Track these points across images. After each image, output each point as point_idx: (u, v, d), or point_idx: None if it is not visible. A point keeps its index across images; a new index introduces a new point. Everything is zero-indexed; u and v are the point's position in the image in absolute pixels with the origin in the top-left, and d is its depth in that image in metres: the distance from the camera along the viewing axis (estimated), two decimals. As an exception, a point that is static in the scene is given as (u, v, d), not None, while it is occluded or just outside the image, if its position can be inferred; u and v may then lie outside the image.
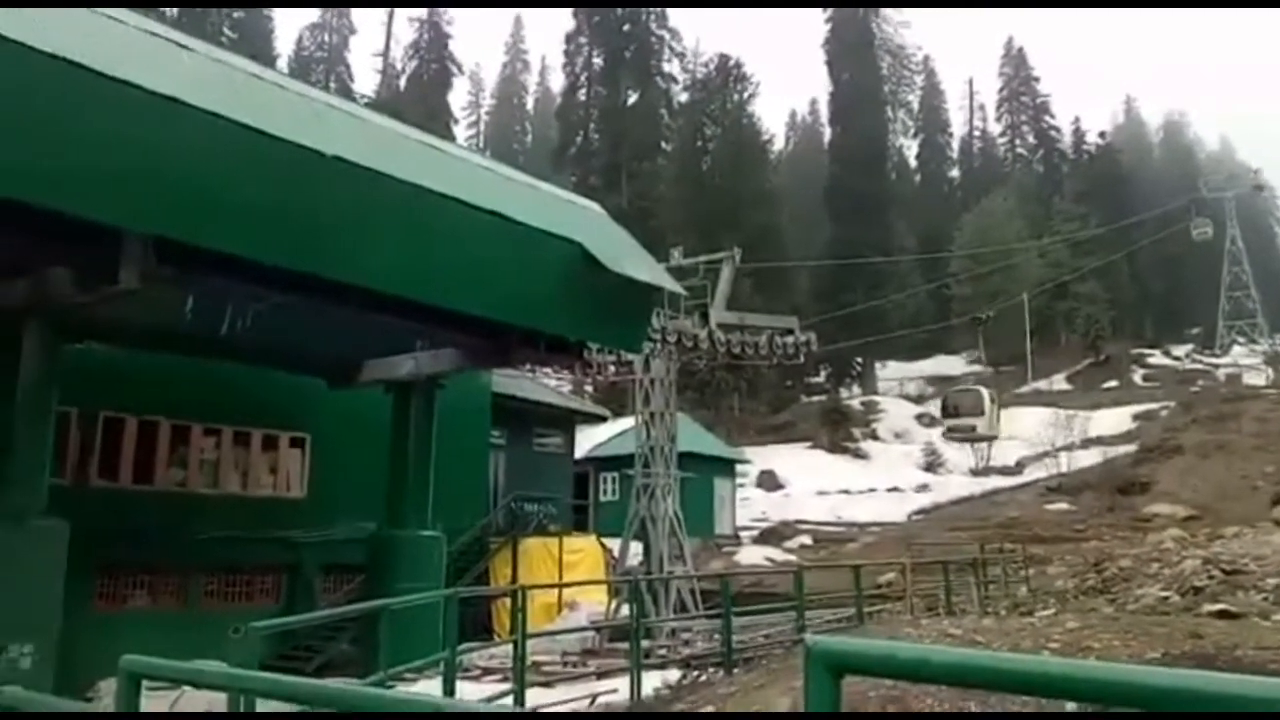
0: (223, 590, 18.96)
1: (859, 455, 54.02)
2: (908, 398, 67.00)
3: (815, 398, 66.05)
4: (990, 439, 37.00)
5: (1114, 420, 53.56)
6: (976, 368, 73.58)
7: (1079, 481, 42.60)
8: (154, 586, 17.98)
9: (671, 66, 74.50)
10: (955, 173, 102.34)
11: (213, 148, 10.39)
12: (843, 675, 1.73)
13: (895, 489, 46.47)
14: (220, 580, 18.93)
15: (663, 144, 71.68)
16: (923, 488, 47.08)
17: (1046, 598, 18.08)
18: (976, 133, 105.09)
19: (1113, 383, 64.73)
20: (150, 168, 10.03)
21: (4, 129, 9.05)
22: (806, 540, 37.88)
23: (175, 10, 64.36)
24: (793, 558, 33.40)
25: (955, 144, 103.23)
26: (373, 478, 17.83)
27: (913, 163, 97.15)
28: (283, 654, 16.27)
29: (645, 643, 13.59)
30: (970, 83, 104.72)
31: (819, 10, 79.28)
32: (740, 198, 62.92)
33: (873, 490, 45.96)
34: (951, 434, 34.54)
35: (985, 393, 31.01)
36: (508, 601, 21.37)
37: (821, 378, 68.81)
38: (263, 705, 5.32)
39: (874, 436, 58.14)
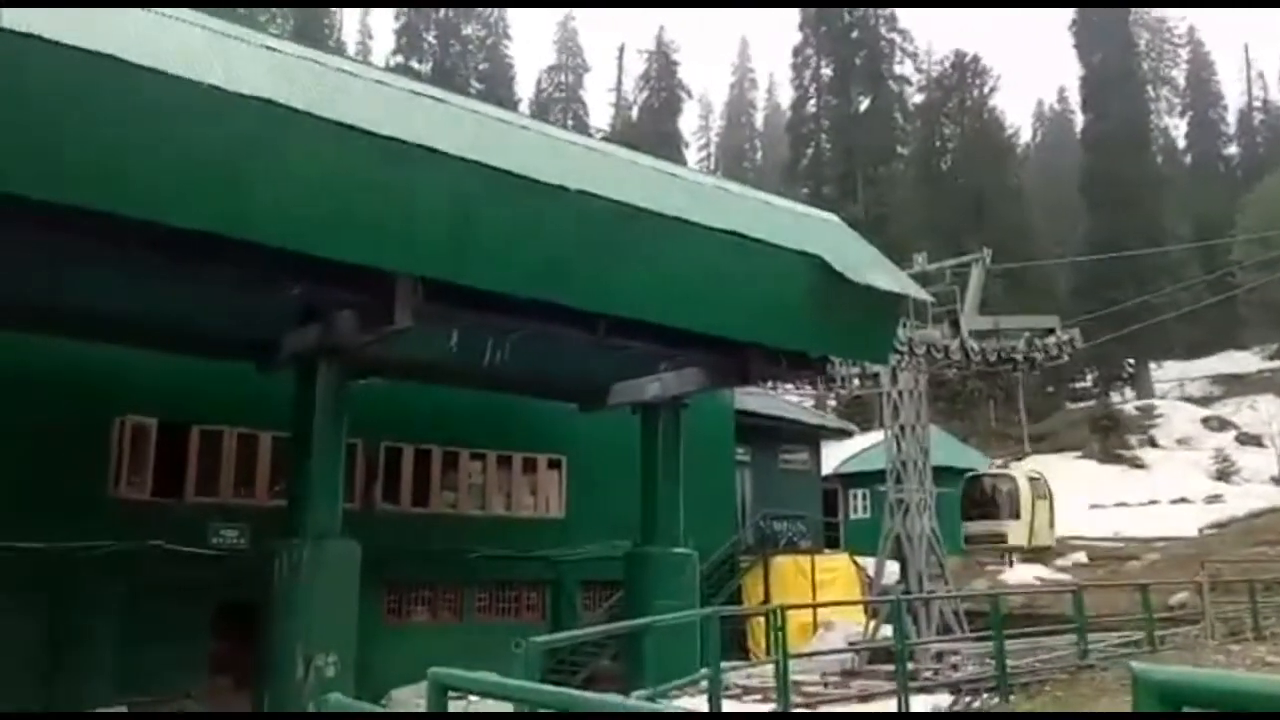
0: (493, 605, 20.12)
1: (1136, 465, 49.63)
2: (1190, 400, 60.92)
3: (1081, 404, 61.42)
4: (1037, 552, 22.74)
5: None
6: (1275, 364, 65.85)
7: None
8: (434, 602, 19.34)
9: (904, 68, 72.21)
10: (1232, 150, 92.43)
11: (470, 191, 11.13)
12: (1180, 707, 1.55)
13: (1182, 500, 42.27)
14: (491, 596, 20.09)
15: (898, 148, 69.46)
16: (1214, 499, 42.53)
17: (1381, 622, 15.80)
18: (1256, 104, 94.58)
19: None
20: (416, 214, 10.89)
21: (297, 193, 10.10)
22: (1081, 558, 35.11)
23: (429, 67, 69.82)
24: (1066, 577, 31.11)
25: (1231, 118, 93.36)
26: (626, 496, 18.31)
27: (1181, 143, 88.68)
28: (549, 668, 16.98)
29: (909, 665, 13.08)
30: (1246, 50, 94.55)
31: (1063, -9, 74.27)
32: (985, 196, 59.91)
33: (1154, 503, 42.02)
34: (973, 543, 22.47)
35: (1022, 481, 21.04)
36: (761, 620, 21.32)
37: (1088, 382, 63.89)
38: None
39: (1152, 444, 53.24)
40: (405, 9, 73.13)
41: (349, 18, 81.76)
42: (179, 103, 9.14)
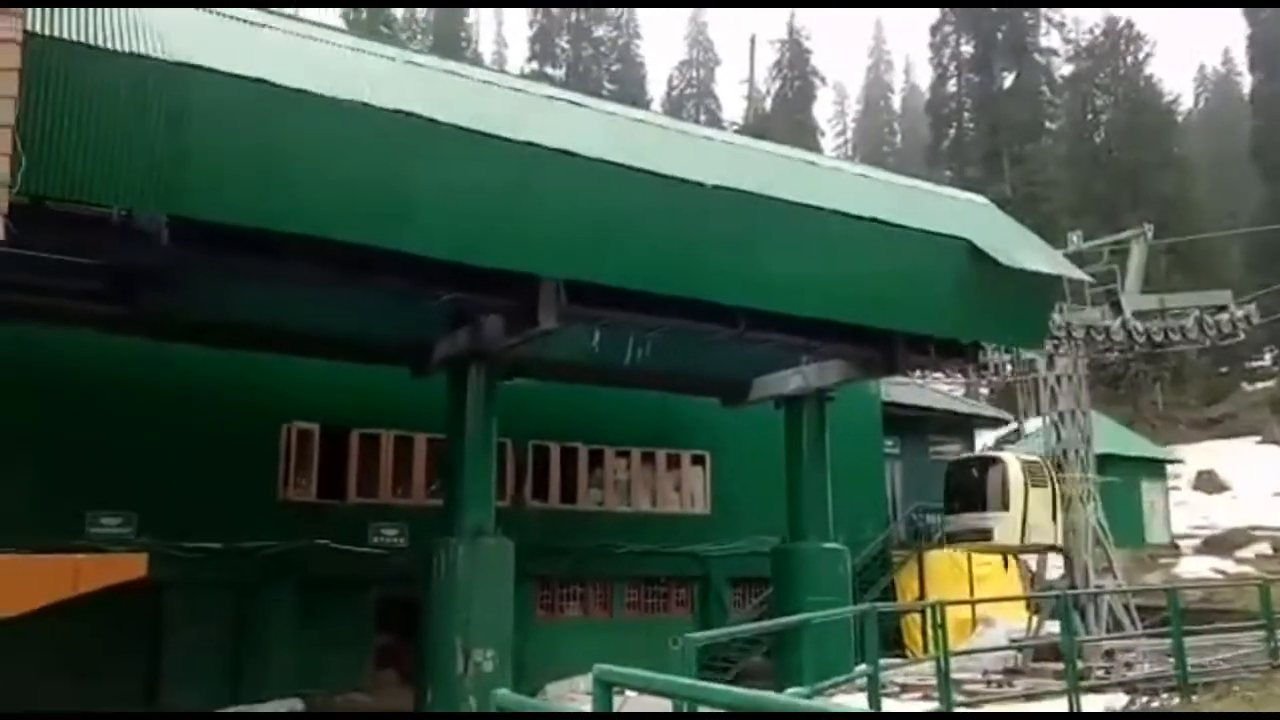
0: (642, 601, 20.29)
1: (1325, 448, 45.91)
2: (1386, 378, 55.88)
3: (1260, 384, 57.26)
4: (1034, 553, 18.61)
5: None
6: None
7: None
8: (584, 598, 19.66)
9: (1050, 40, 68.96)
10: None
11: (608, 192, 11.24)
12: None
13: (1380, 487, 38.86)
14: (640, 592, 20.27)
15: (1047, 123, 66.41)
16: None
17: None
18: None
19: None
20: (557, 218, 11.08)
21: (445, 204, 10.43)
22: (1264, 549, 32.79)
23: (563, 71, 71.10)
24: (1249, 569, 29.08)
25: None
26: (772, 492, 18.14)
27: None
28: (701, 664, 16.99)
29: (1078, 663, 12.47)
30: None
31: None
32: (1144, 169, 56.53)
33: (1348, 489, 38.77)
34: (954, 542, 18.60)
35: (1012, 464, 16.95)
36: (917, 616, 20.75)
37: (1267, 361, 59.50)
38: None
39: (1343, 425, 49.10)
40: (537, 15, 74.70)
41: (484, 29, 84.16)
42: (332, 121, 9.57)
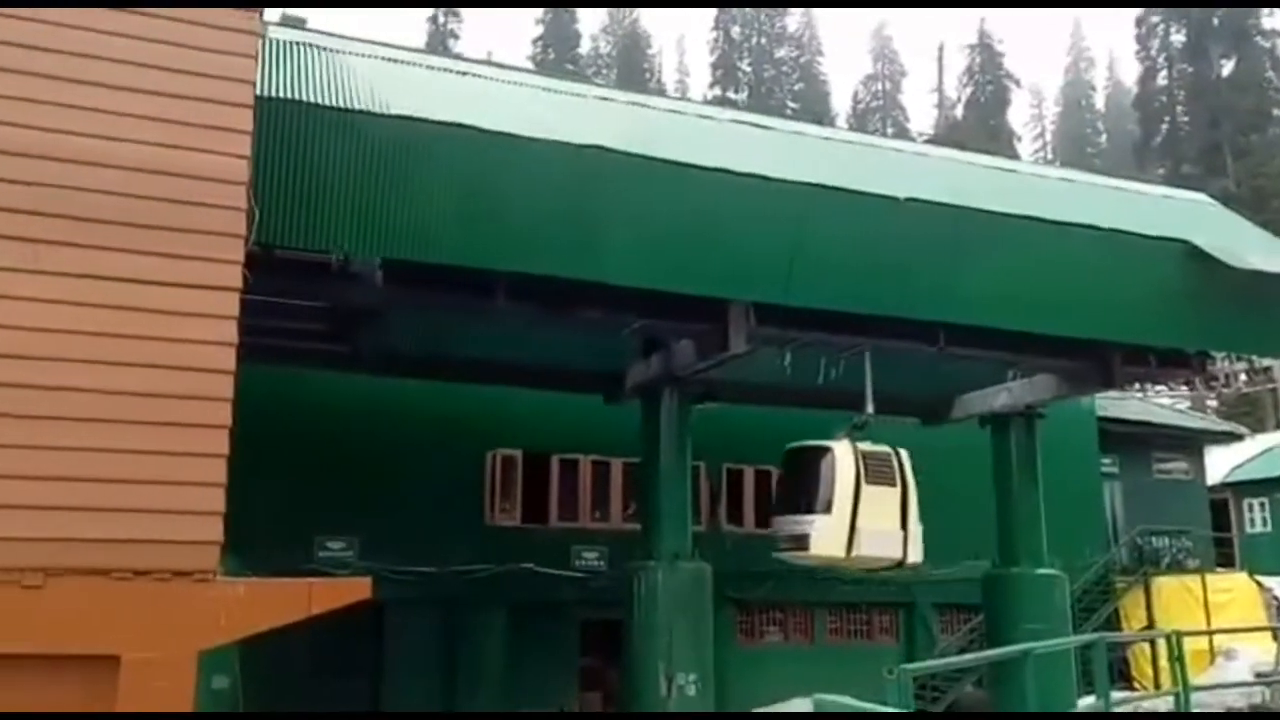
0: (844, 628, 19.79)
1: None
2: None
3: None
4: (872, 568, 14.80)
5: None
6: None
7: None
8: (784, 623, 19.37)
9: (1274, 21, 63.67)
10: None
11: (799, 213, 11.14)
12: None
13: None
14: (841, 618, 19.77)
15: (1274, 111, 61.02)
16: None
17: None
18: None
19: None
20: (747, 241, 11.06)
21: (638, 233, 10.63)
22: None
23: (745, 95, 71.44)
24: None
25: None
26: (979, 515, 17.33)
27: None
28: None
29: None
30: None
31: None
32: (1396, 152, 50.97)
33: None
34: (776, 548, 14.34)
35: (841, 455, 13.40)
36: (1145, 647, 19.25)
37: None
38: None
39: None
40: (718, 42, 75.47)
41: (666, 58, 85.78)
42: (532, 161, 9.94)
